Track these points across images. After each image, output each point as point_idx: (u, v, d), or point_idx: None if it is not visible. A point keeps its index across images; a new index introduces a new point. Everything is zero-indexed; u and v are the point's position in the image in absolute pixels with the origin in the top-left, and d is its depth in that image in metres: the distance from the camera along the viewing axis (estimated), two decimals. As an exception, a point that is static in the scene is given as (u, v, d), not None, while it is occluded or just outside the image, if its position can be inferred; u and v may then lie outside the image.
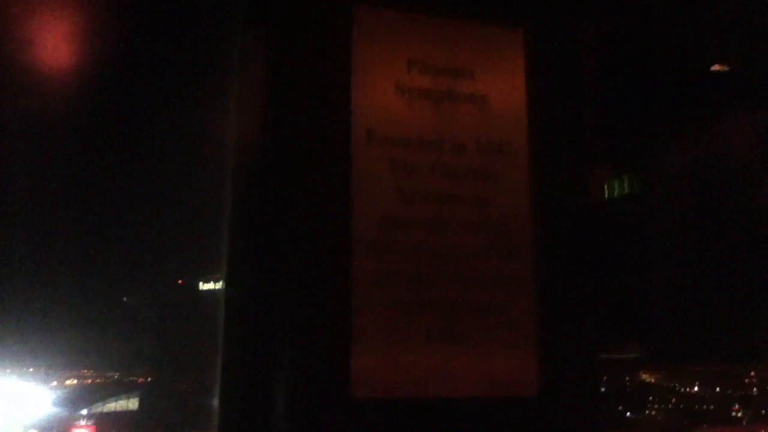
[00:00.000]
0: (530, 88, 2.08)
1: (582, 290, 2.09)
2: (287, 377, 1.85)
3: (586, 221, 2.11)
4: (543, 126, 2.08)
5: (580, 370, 2.03)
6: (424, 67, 2.01)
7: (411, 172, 1.96)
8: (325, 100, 1.91)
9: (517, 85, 2.08)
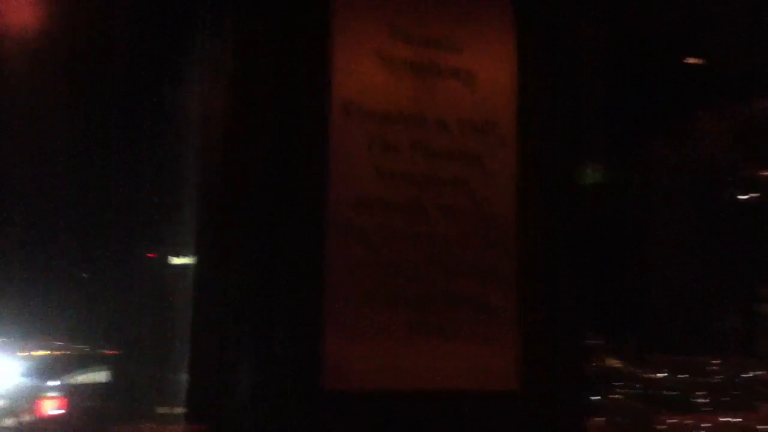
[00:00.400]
0: (521, 65, 1.96)
1: (566, 281, 1.99)
2: (255, 365, 1.74)
3: (573, 211, 2.01)
4: (533, 107, 1.97)
5: (562, 362, 1.94)
6: (407, 37, 1.88)
7: (390, 150, 1.83)
8: (300, 68, 1.78)
9: (507, 61, 1.96)
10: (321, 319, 1.72)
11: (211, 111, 1.88)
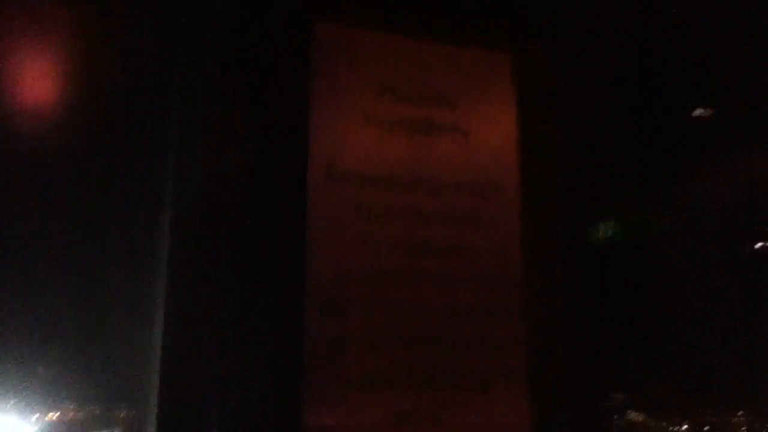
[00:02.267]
0: (523, 120, 1.81)
1: (586, 357, 1.79)
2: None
3: (587, 271, 1.82)
4: (538, 164, 1.80)
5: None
6: (397, 95, 1.73)
7: (378, 217, 1.66)
8: (279, 129, 1.63)
9: (506, 118, 1.80)
10: (299, 410, 1.52)
11: (185, 176, 1.72)
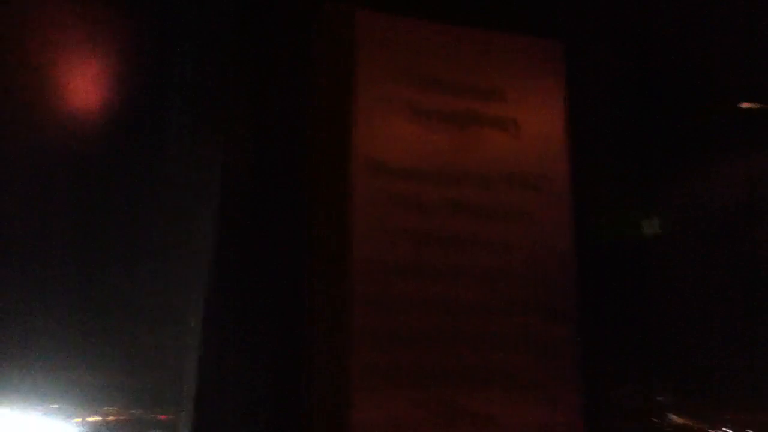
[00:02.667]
0: (572, 111, 1.73)
1: (638, 354, 1.71)
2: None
3: (638, 269, 1.74)
4: (588, 157, 1.72)
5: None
6: (443, 86, 1.67)
7: (423, 211, 1.60)
8: (320, 123, 1.58)
9: (556, 109, 1.73)
10: (347, 405, 1.46)
11: (229, 166, 1.68)
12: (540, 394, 1.60)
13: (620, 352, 1.73)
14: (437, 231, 1.60)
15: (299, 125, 1.60)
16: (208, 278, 1.67)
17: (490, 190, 1.65)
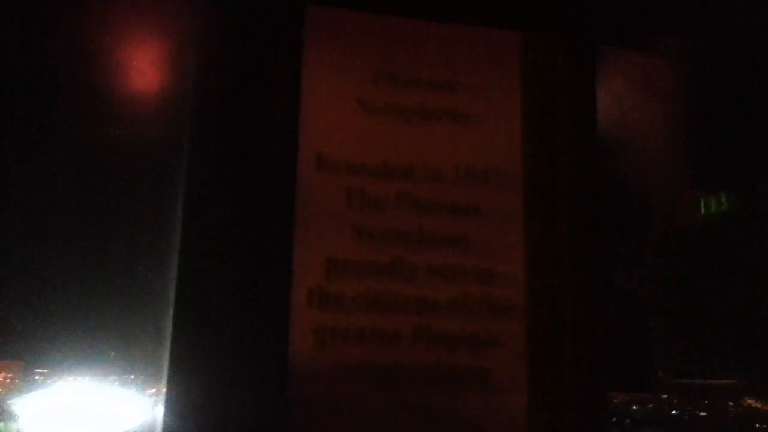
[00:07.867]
0: (528, 106, 1.70)
1: (588, 348, 1.68)
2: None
3: (595, 268, 1.70)
4: (544, 151, 1.69)
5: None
6: (393, 79, 1.66)
7: (371, 205, 1.61)
8: (267, 117, 1.60)
9: (511, 101, 1.70)
10: (285, 402, 1.50)
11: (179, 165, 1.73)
12: (487, 391, 1.60)
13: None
14: (383, 225, 1.60)
15: (257, 125, 1.61)
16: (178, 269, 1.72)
17: (441, 183, 1.65)
